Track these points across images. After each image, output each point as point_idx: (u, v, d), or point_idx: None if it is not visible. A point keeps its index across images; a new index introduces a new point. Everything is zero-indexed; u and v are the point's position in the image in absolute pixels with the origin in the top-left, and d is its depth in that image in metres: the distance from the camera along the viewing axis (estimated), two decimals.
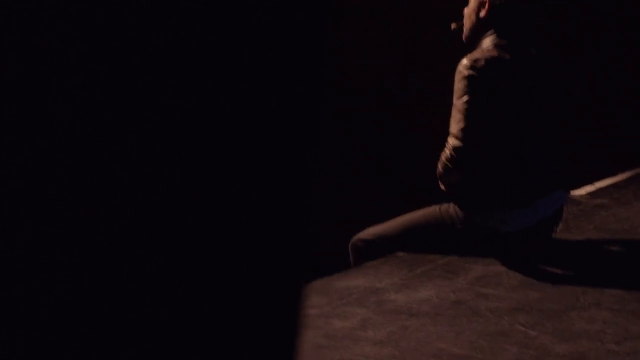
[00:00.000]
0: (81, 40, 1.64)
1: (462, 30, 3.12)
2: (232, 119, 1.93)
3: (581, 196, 6.41)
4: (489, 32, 2.89)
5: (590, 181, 6.78)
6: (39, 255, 1.78)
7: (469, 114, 2.71)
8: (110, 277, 1.86)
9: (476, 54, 2.77)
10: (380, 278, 4.60)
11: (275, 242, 2.04)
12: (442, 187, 2.89)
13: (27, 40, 1.61)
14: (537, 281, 4.16)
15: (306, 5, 1.90)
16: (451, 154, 2.71)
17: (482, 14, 2.92)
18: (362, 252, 3.37)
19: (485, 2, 2.89)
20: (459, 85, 2.76)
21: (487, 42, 2.86)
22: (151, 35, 1.71)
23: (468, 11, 3.08)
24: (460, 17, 3.29)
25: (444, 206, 2.93)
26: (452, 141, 2.66)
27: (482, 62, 2.75)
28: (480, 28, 2.92)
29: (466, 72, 2.72)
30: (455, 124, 2.70)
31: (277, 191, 2.08)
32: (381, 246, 3.25)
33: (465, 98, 2.68)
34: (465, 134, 2.69)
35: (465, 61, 2.71)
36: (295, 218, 2.02)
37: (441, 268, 4.52)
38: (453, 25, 3.21)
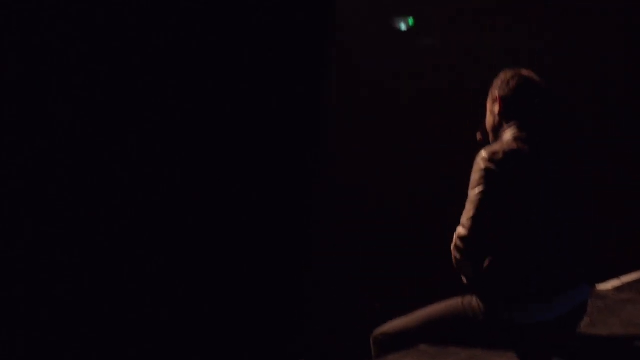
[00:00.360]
0: (81, 40, 1.64)
1: (487, 135, 3.20)
2: (232, 118, 1.92)
3: (607, 290, 6.15)
4: (509, 125, 2.96)
5: (616, 275, 6.63)
6: (39, 255, 1.78)
7: (479, 204, 2.76)
8: (110, 277, 1.86)
9: (495, 146, 2.82)
10: None
11: (276, 241, 2.03)
12: (463, 279, 2.91)
13: (27, 40, 1.61)
14: None
15: (306, 6, 1.89)
16: (456, 243, 2.76)
17: (497, 109, 3.00)
18: (384, 345, 3.30)
19: (497, 97, 2.97)
20: (475, 176, 2.80)
21: (507, 134, 2.93)
22: (151, 35, 1.70)
23: (487, 114, 3.18)
24: (482, 128, 3.33)
25: (467, 298, 2.91)
26: (459, 230, 2.73)
27: (500, 155, 2.79)
28: (500, 124, 3.00)
29: (483, 165, 2.76)
30: (465, 214, 2.78)
31: (277, 191, 2.07)
32: (403, 339, 3.20)
33: (478, 189, 2.72)
34: (472, 223, 2.73)
35: (483, 153, 2.75)
36: (295, 217, 2.01)
37: None
38: (479, 136, 3.26)
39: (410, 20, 8.25)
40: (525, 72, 3.08)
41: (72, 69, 1.74)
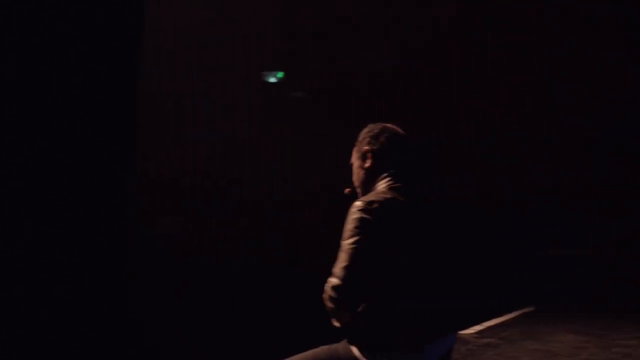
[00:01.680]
0: None
1: (356, 190, 3.14)
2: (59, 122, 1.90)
3: (469, 335, 6.17)
4: (383, 176, 2.92)
5: (478, 321, 6.86)
6: (39, 255, 1.78)
7: (353, 254, 2.72)
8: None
9: (371, 196, 2.78)
10: None
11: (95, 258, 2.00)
12: (336, 323, 2.84)
13: None
14: None
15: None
16: (329, 294, 2.72)
17: (368, 164, 2.94)
18: None
19: (367, 152, 2.92)
20: (349, 226, 2.76)
21: (382, 185, 2.88)
22: None
23: (354, 169, 3.12)
24: (350, 183, 3.27)
25: (333, 346, 2.87)
26: (332, 280, 2.70)
27: (376, 204, 2.75)
28: (370, 178, 2.94)
29: (358, 215, 2.72)
30: (338, 264, 2.74)
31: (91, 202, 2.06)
32: None
33: (352, 239, 2.69)
34: (346, 273, 2.70)
35: (358, 203, 2.72)
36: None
37: None
38: (347, 190, 3.20)
39: (280, 74, 8.78)
40: (390, 126, 3.08)
41: None
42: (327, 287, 2.73)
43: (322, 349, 2.92)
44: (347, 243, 2.75)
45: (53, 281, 1.82)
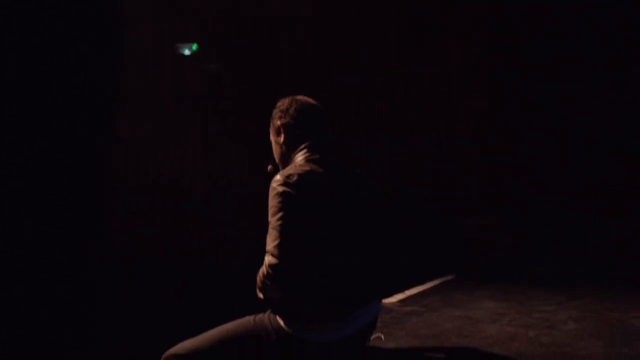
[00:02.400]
0: None
1: (279, 167, 3.10)
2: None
3: (392, 304, 6.32)
4: (299, 148, 2.90)
5: (400, 289, 6.95)
6: (39, 255, 1.78)
7: (284, 230, 2.68)
8: None
9: (289, 169, 2.76)
10: None
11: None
12: (261, 296, 2.79)
13: None
14: None
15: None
16: (268, 272, 2.67)
17: (282, 139, 2.93)
18: None
19: (279, 127, 2.92)
20: (273, 202, 2.72)
21: (299, 157, 2.87)
22: None
23: (273, 145, 3.11)
24: (272, 159, 3.23)
25: (259, 316, 2.86)
26: (268, 258, 2.64)
27: (295, 177, 2.71)
28: (287, 152, 2.93)
29: (280, 189, 2.69)
30: (272, 242, 2.67)
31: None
32: None
33: (280, 214, 2.64)
34: (281, 251, 2.66)
35: (278, 177, 2.70)
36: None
37: None
38: (269, 167, 3.16)
39: (194, 46, 8.77)
40: (300, 97, 3.08)
41: None
42: (264, 266, 2.71)
43: (248, 319, 2.91)
44: (275, 219, 2.75)
45: (53, 281, 1.82)
